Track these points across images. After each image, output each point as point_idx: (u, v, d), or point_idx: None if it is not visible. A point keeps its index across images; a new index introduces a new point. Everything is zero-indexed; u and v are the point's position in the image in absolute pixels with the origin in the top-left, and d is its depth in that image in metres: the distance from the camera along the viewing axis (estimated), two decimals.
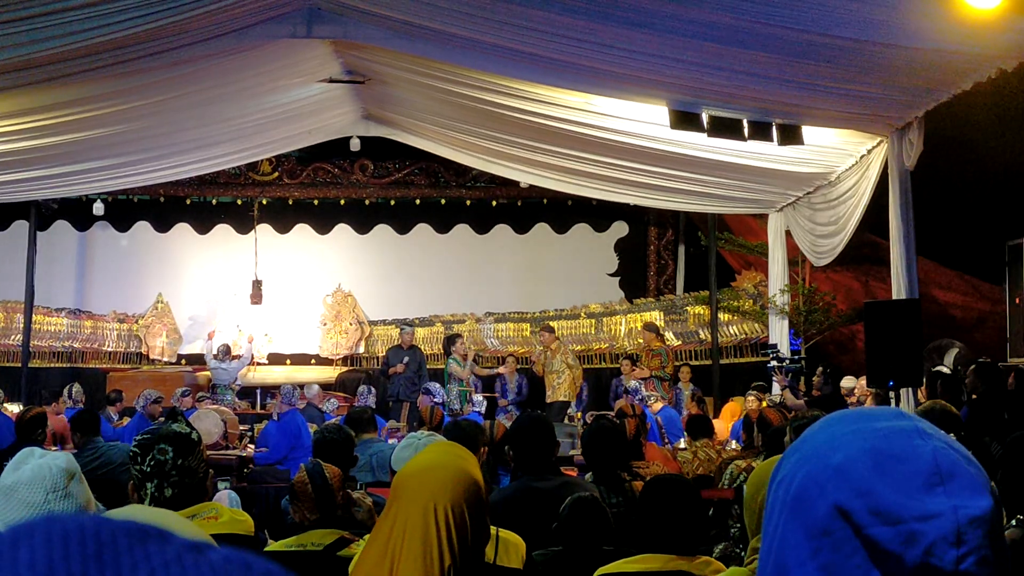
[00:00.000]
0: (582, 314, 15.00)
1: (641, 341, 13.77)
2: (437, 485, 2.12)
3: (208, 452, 3.39)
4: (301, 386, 11.23)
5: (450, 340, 13.29)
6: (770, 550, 0.93)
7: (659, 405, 10.86)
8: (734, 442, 8.96)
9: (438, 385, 11.49)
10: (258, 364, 14.62)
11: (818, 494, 0.89)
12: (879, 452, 0.89)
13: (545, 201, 15.13)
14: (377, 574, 2.07)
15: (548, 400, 13.14)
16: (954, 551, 0.85)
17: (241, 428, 10.78)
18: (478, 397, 10.55)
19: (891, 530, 0.86)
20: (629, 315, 14.91)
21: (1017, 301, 11.06)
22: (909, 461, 0.88)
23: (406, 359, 13.35)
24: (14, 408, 10.29)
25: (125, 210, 15.48)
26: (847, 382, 10.90)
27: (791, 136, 8.33)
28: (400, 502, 2.13)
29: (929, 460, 0.88)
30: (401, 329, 14.04)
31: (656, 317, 14.55)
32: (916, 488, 0.87)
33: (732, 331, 14.27)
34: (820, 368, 10.18)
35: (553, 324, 14.86)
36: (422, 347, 14.80)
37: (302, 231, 15.77)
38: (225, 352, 13.79)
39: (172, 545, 0.54)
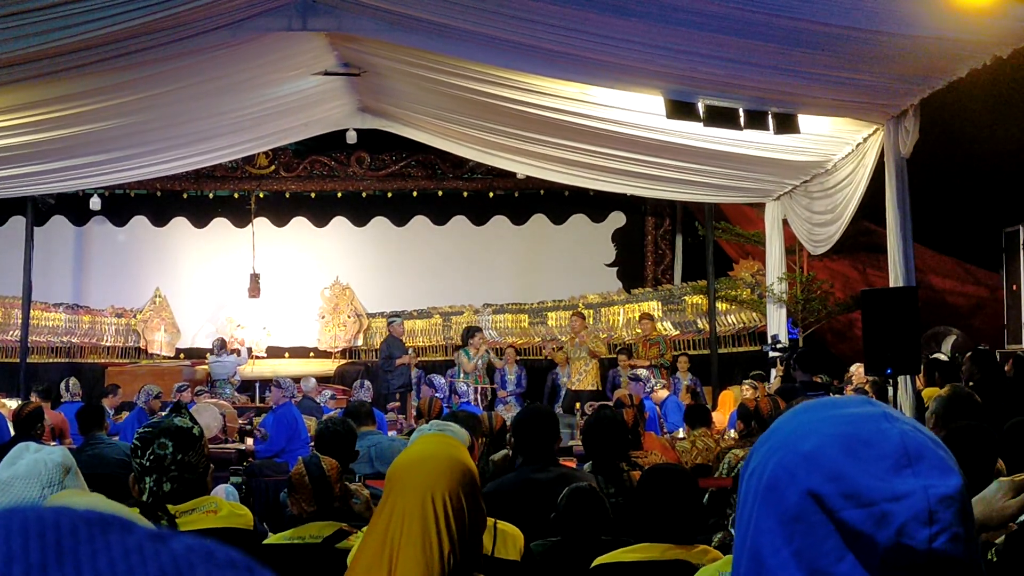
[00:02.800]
0: (580, 304, 14.99)
1: (639, 331, 13.78)
2: (432, 474, 2.13)
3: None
4: (298, 379, 11.24)
5: (469, 332, 13.27)
6: (744, 539, 0.95)
7: (664, 393, 10.86)
8: (732, 431, 8.96)
9: (441, 378, 11.49)
10: (256, 358, 14.63)
11: (789, 481, 0.91)
12: (848, 437, 0.91)
13: (542, 192, 15.11)
14: (376, 565, 2.07)
15: (575, 388, 12.85)
16: (926, 530, 0.86)
17: (240, 422, 10.76)
18: (463, 386, 10.40)
19: (863, 512, 0.87)
20: (627, 305, 14.92)
21: (1014, 288, 11.07)
22: (877, 444, 0.90)
23: (411, 350, 13.35)
24: (12, 404, 10.28)
25: (122, 205, 15.46)
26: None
27: (787, 125, 8.31)
28: (397, 493, 2.14)
29: (897, 442, 0.90)
30: (391, 321, 13.92)
31: (654, 307, 14.58)
32: (885, 470, 0.88)
33: (730, 320, 14.29)
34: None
35: (551, 315, 14.88)
36: (420, 339, 14.88)
37: (299, 224, 15.76)
38: (221, 346, 13.79)
39: (134, 535, 0.54)
